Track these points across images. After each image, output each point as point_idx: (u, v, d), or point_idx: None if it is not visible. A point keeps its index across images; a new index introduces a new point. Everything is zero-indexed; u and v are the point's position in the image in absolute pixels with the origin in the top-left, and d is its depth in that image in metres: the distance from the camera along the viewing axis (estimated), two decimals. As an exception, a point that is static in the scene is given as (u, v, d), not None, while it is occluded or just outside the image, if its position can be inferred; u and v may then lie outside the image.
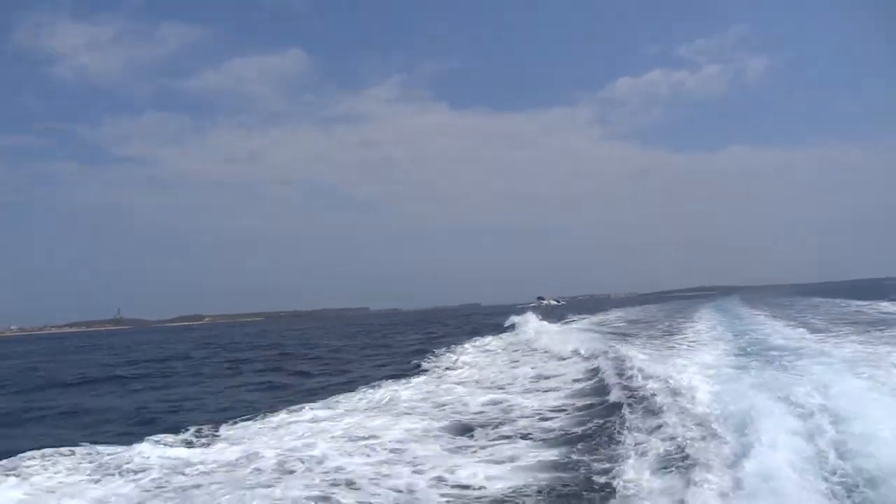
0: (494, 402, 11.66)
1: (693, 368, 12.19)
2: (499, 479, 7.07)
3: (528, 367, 16.99)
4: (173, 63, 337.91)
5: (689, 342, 19.71)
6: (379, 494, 6.73)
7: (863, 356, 12.38)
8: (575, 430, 9.15)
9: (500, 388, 13.73)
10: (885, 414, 7.06)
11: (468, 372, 16.82)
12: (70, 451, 8.83)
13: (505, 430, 9.50)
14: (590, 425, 9.24)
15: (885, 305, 30.78)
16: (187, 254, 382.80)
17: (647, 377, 11.31)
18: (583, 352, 17.79)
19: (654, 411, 8.87)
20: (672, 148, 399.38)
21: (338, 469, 7.56)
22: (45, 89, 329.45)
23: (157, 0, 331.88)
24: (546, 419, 10.07)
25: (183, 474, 7.78)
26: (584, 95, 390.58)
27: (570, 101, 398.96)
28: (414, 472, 7.44)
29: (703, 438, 7.26)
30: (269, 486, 6.92)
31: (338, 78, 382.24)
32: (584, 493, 6.49)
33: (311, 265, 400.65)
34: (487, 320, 51.19)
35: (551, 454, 7.95)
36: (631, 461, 7.04)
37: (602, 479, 6.75)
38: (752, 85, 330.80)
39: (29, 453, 8.64)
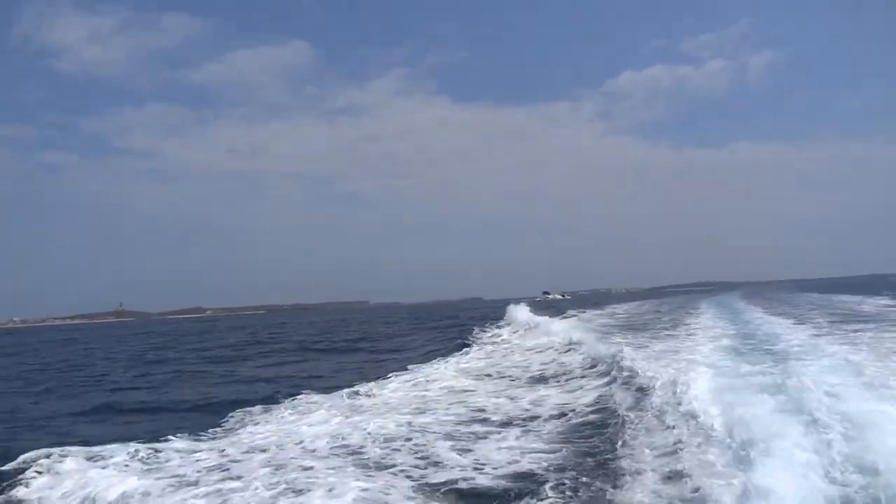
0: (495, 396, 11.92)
1: (694, 364, 12.21)
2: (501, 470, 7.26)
3: (523, 361, 17.17)
4: (176, 54, 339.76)
5: (691, 338, 19.84)
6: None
7: (865, 353, 12.39)
8: (574, 427, 9.26)
9: (501, 380, 13.99)
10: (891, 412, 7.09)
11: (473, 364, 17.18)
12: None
13: (504, 423, 9.71)
14: (589, 424, 9.32)
15: (886, 301, 30.71)
16: (188, 246, 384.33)
17: (647, 374, 11.28)
18: (583, 347, 17.78)
19: (655, 410, 8.87)
20: (675, 143, 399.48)
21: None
22: (47, 81, 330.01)
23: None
24: (545, 416, 10.21)
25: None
26: (586, 90, 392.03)
27: (573, 95, 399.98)
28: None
29: (706, 439, 7.19)
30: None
31: (340, 70, 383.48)
32: (585, 488, 6.54)
33: (311, 258, 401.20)
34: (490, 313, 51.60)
35: (553, 448, 8.04)
36: (632, 461, 7.07)
37: (604, 475, 6.81)
38: (755, 80, 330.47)
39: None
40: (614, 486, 6.47)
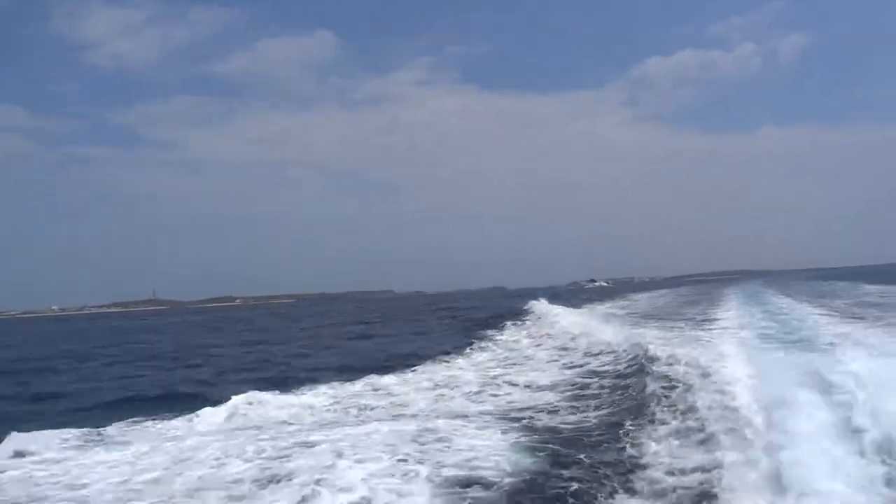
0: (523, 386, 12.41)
1: (722, 352, 11.85)
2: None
3: (552, 350, 17.56)
4: (203, 46, 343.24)
5: (718, 326, 20.24)
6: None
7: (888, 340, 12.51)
8: (601, 415, 9.48)
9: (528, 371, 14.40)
10: None
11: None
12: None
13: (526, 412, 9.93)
14: (616, 409, 9.56)
15: None
16: (216, 236, 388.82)
17: (676, 362, 11.13)
18: (611, 336, 17.47)
19: (683, 397, 8.86)
20: (701, 129, 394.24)
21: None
22: (78, 74, 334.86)
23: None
24: (570, 399, 10.47)
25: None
26: (613, 77, 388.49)
27: (599, 82, 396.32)
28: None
29: (734, 427, 7.12)
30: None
31: (365, 60, 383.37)
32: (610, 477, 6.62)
33: (335, 248, 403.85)
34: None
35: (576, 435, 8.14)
36: (659, 447, 7.20)
37: (629, 463, 6.94)
38: (785, 64, 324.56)
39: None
40: (641, 476, 6.57)
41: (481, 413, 10.13)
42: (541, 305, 32.17)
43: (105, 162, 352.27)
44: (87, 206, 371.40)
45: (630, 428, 8.38)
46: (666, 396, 9.27)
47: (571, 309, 30.50)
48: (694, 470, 6.47)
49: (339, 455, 7.13)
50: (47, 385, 18.06)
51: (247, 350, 25.81)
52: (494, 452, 7.41)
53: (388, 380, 13.87)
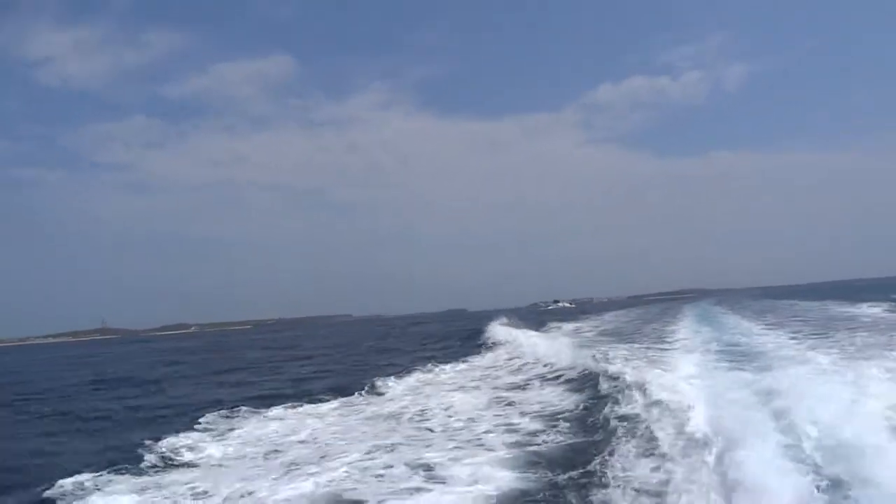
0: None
1: (676, 373, 12.63)
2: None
3: (512, 375, 17.63)
4: (158, 68, 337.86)
5: (672, 346, 20.66)
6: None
7: (837, 359, 12.91)
8: (557, 438, 9.50)
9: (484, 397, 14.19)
10: (862, 414, 7.43)
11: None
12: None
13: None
14: (572, 435, 9.56)
15: (863, 308, 31.24)
16: (168, 261, 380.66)
17: (632, 384, 11.38)
18: (569, 360, 17.68)
19: (639, 418, 9.11)
20: (655, 152, 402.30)
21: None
22: (26, 93, 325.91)
23: (144, 5, 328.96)
24: (524, 430, 10.36)
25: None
26: (567, 101, 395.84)
27: (555, 106, 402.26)
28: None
29: (689, 448, 7.37)
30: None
31: (323, 83, 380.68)
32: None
33: (293, 272, 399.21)
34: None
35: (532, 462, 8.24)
36: (616, 470, 7.31)
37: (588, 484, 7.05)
38: (731, 91, 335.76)
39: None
40: (599, 495, 6.72)
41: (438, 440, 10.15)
42: (500, 328, 32.41)
43: (52, 184, 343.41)
44: (32, 230, 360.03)
45: (585, 448, 8.59)
46: (620, 417, 9.55)
47: (530, 331, 30.81)
48: (647, 488, 6.67)
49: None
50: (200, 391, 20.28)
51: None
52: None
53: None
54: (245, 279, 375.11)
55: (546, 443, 9.34)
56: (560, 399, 12.90)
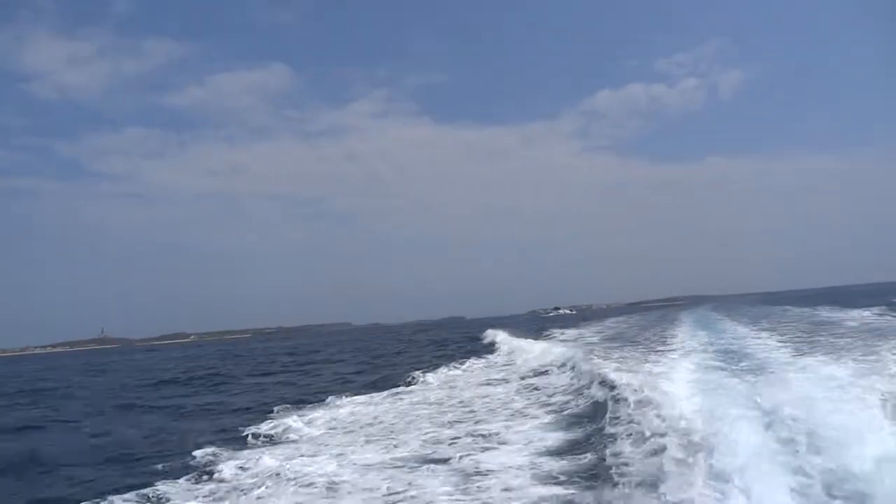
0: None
1: (671, 378, 12.71)
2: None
3: (505, 383, 17.75)
4: (156, 79, 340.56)
5: (669, 351, 20.72)
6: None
7: (829, 361, 13.08)
8: (554, 445, 9.62)
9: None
10: (857, 421, 7.55)
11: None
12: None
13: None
14: (569, 441, 9.76)
15: (855, 314, 30.77)
16: (167, 270, 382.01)
17: (628, 389, 11.13)
18: (566, 366, 17.85)
19: (636, 425, 8.98)
20: (652, 159, 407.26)
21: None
22: (23, 104, 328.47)
23: (142, 16, 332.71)
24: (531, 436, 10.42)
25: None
26: (565, 108, 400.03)
27: (552, 114, 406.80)
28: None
29: (682, 451, 7.33)
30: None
31: (321, 92, 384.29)
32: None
33: (292, 281, 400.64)
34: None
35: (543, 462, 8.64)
36: (612, 476, 7.33)
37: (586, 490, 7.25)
38: (727, 97, 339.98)
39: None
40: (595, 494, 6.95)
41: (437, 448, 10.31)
42: (498, 335, 33.68)
43: (50, 195, 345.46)
44: (31, 240, 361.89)
45: (584, 450, 8.97)
46: (621, 417, 9.70)
47: (531, 340, 31.19)
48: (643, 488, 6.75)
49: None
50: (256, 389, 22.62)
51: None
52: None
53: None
54: (244, 288, 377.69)
55: (532, 453, 9.39)
56: (561, 399, 13.48)
